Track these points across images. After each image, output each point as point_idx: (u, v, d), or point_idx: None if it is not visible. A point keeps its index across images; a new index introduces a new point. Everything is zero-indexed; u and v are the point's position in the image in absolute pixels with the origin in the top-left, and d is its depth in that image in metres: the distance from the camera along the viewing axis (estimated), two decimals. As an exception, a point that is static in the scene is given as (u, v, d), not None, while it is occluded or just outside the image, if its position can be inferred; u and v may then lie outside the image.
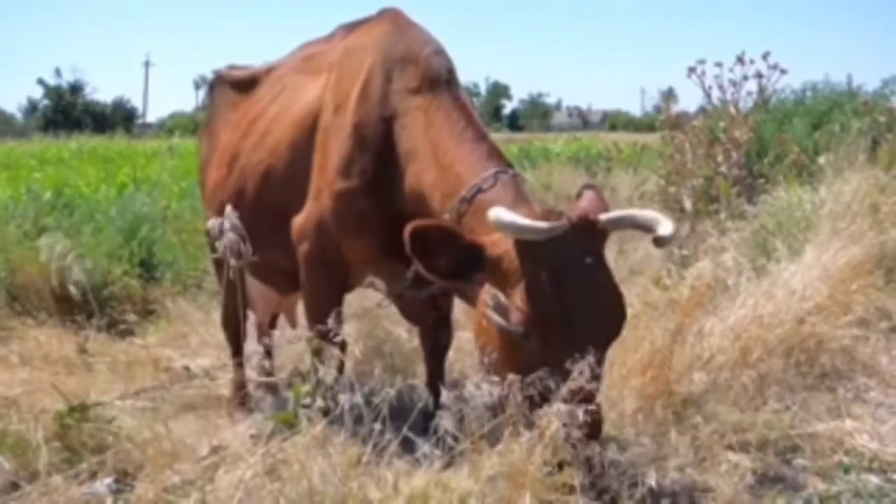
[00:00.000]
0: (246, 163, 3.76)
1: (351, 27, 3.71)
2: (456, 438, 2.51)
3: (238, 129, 3.96)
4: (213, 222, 3.08)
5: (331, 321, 2.79)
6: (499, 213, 2.56)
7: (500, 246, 2.64)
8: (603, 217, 2.66)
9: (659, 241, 2.64)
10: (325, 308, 2.98)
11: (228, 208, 3.11)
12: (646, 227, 2.66)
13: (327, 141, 3.31)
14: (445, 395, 2.39)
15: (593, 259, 2.58)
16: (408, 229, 2.65)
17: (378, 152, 3.17)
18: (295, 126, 3.52)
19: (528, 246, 2.54)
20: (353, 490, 2.28)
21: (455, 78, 3.22)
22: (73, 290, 5.29)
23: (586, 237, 2.60)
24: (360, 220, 3.21)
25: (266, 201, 3.62)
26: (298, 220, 3.38)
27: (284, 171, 3.53)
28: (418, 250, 2.67)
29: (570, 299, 2.50)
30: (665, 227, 2.61)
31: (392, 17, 3.46)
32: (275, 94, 3.85)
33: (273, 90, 3.91)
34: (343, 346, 3.07)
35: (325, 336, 2.82)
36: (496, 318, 2.59)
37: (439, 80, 3.14)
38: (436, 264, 2.70)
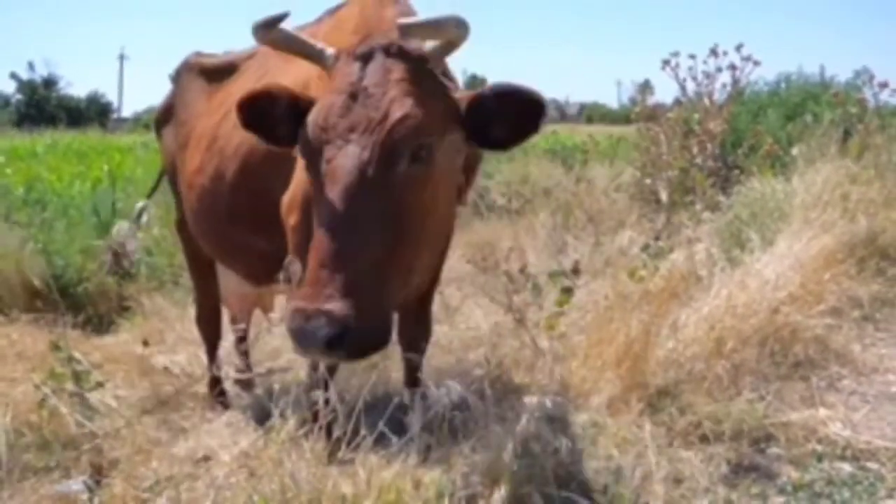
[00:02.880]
0: (225, 144, 3.70)
1: (335, 9, 3.68)
2: (430, 432, 2.52)
3: (216, 114, 3.91)
4: None
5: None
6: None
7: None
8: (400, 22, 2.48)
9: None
10: None
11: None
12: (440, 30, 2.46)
13: None
14: (407, 395, 2.39)
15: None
16: (237, 104, 2.56)
17: None
18: None
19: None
20: (326, 486, 2.27)
21: None
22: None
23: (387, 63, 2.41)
24: None
25: (247, 183, 3.57)
26: (286, 197, 3.36)
27: (266, 151, 3.49)
28: (254, 124, 2.59)
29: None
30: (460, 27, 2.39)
31: None
32: (258, 77, 3.79)
33: (256, 74, 3.86)
34: None
35: None
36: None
37: None
38: (276, 135, 2.58)
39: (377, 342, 2.20)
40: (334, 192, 2.21)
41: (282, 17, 2.51)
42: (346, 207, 2.18)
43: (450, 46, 2.45)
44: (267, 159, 3.44)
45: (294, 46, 2.58)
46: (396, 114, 2.26)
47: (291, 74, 3.49)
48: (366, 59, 2.40)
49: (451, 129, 2.42)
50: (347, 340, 2.08)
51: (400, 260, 2.30)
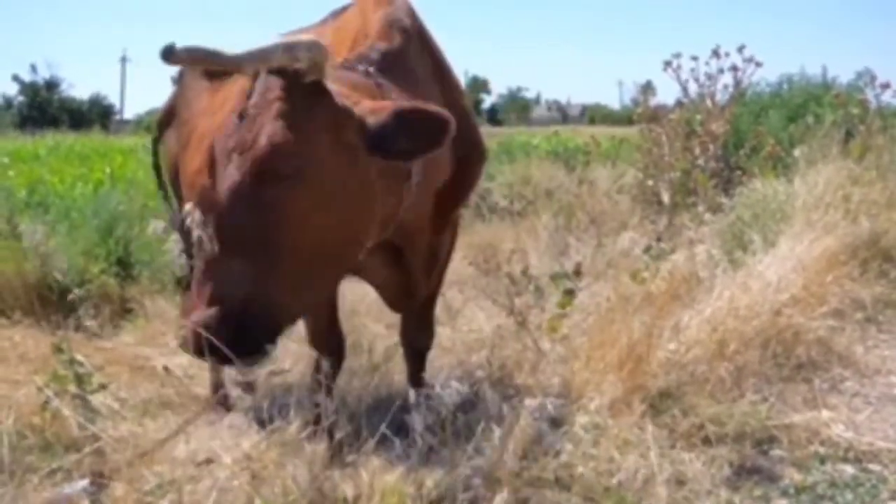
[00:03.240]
0: None
1: (340, 10, 3.68)
2: (433, 434, 2.52)
3: (218, 113, 3.91)
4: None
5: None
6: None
7: None
8: None
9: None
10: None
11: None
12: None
13: None
14: (412, 395, 2.40)
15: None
16: None
17: None
18: None
19: None
20: (328, 489, 2.28)
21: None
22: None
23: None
24: None
25: None
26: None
27: None
28: None
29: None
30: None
31: None
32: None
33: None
34: (340, 344, 3.11)
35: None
36: None
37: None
38: None
39: (247, 347, 2.29)
40: (214, 210, 2.31)
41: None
42: (219, 225, 2.28)
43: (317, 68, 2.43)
44: None
45: (208, 61, 2.50)
46: (262, 138, 2.32)
47: None
48: (256, 75, 2.46)
49: (336, 146, 2.43)
50: (210, 345, 2.19)
51: (279, 272, 2.34)
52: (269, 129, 2.33)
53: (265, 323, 2.35)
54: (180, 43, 2.31)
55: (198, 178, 3.91)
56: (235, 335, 2.23)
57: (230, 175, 2.31)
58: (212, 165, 2.45)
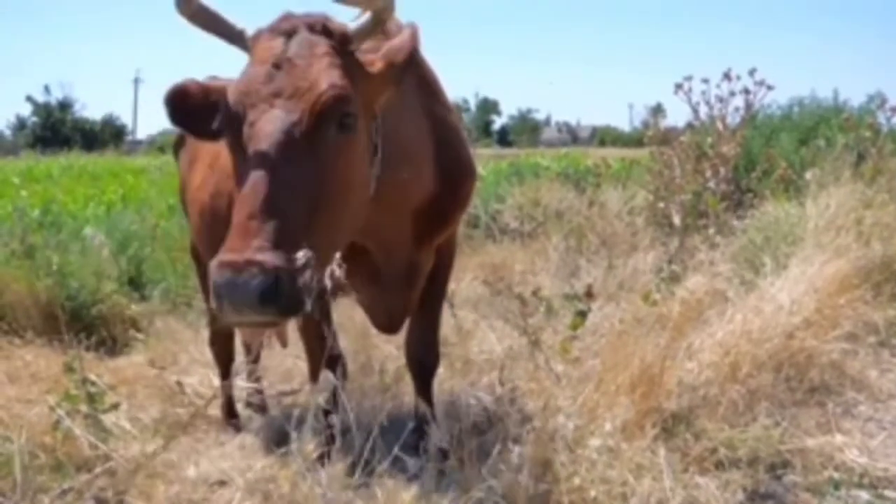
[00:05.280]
0: (225, 163, 3.74)
1: None
2: (446, 455, 2.50)
3: None
4: None
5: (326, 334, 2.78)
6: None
7: None
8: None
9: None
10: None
11: None
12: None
13: None
14: (428, 411, 2.38)
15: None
16: (163, 99, 2.57)
17: None
18: None
19: None
20: (342, 510, 2.27)
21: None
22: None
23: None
24: None
25: None
26: (191, 188, 3.37)
27: None
28: (183, 121, 2.63)
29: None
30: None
31: None
32: None
33: None
34: (339, 360, 3.08)
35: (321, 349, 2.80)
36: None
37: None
38: (207, 129, 2.60)
39: (305, 299, 2.15)
40: (260, 150, 2.24)
41: None
42: (273, 164, 2.21)
43: (377, 23, 2.54)
44: None
45: (212, 25, 2.60)
46: (324, 83, 2.34)
47: None
48: (289, 34, 2.48)
49: (367, 106, 2.54)
50: (281, 293, 2.06)
51: (325, 220, 2.34)
52: (329, 75, 2.36)
53: (310, 277, 2.23)
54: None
55: (198, 194, 3.96)
56: (301, 287, 2.11)
57: (279, 117, 2.29)
58: (228, 118, 2.39)
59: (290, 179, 2.22)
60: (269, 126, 2.27)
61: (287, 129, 2.27)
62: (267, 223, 2.12)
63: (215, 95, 2.53)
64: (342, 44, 2.50)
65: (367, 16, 2.53)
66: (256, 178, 2.20)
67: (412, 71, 3.25)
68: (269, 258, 2.06)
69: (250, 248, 2.08)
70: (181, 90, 2.57)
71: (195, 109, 2.56)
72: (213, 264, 2.11)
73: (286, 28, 2.49)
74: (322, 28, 2.49)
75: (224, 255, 2.10)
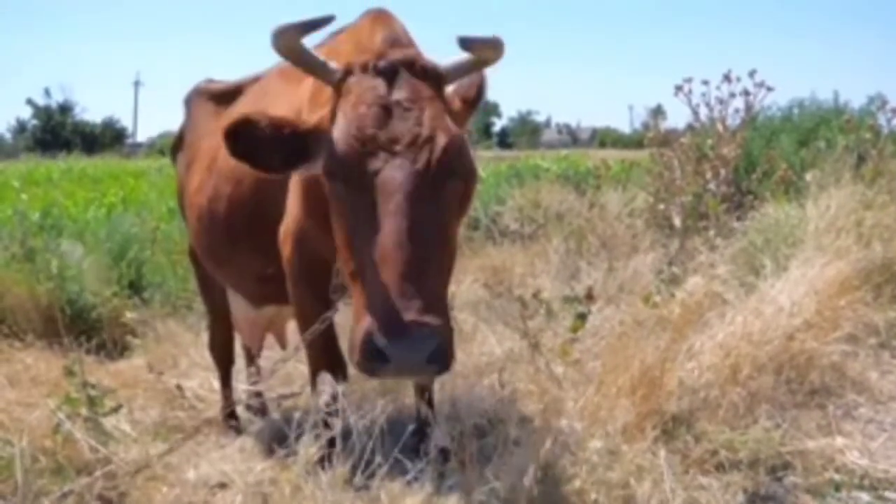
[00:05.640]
0: (224, 165, 3.72)
1: (337, 32, 3.69)
2: (447, 458, 2.50)
3: (218, 134, 3.94)
4: None
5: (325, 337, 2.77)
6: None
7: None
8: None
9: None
10: (311, 315, 2.99)
11: None
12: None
13: None
14: (429, 414, 2.38)
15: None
16: (223, 134, 2.56)
17: None
18: None
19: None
20: (343, 513, 2.27)
21: None
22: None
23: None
24: None
25: (241, 204, 3.60)
26: (283, 226, 3.35)
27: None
28: (244, 153, 2.58)
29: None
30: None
31: (373, 16, 3.31)
32: (256, 99, 3.83)
33: (256, 96, 3.90)
34: (339, 362, 3.08)
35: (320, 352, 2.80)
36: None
37: None
38: (265, 162, 2.59)
39: (451, 355, 2.18)
40: (395, 202, 2.21)
41: (312, 24, 2.53)
42: (412, 218, 2.19)
43: (478, 67, 2.57)
44: (262, 181, 3.44)
45: (301, 59, 2.59)
46: (444, 134, 2.33)
47: (286, 98, 3.51)
48: (388, 74, 2.44)
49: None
50: (445, 352, 2.09)
51: (449, 266, 2.37)
52: (445, 123, 2.37)
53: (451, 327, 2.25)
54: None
55: (195, 197, 3.96)
56: (451, 346, 2.14)
57: (405, 166, 2.26)
58: (339, 163, 2.35)
59: (426, 232, 2.21)
60: (397, 176, 2.25)
61: (417, 180, 2.25)
62: (421, 281, 2.13)
63: (289, 129, 2.53)
64: (440, 85, 2.51)
65: (464, 56, 2.56)
66: (398, 232, 2.18)
67: None
68: (433, 320, 2.08)
69: (413, 309, 2.07)
70: (246, 121, 2.55)
71: (262, 143, 2.54)
72: (371, 327, 2.10)
73: (383, 67, 2.46)
74: (420, 69, 2.48)
75: (384, 318, 2.09)
